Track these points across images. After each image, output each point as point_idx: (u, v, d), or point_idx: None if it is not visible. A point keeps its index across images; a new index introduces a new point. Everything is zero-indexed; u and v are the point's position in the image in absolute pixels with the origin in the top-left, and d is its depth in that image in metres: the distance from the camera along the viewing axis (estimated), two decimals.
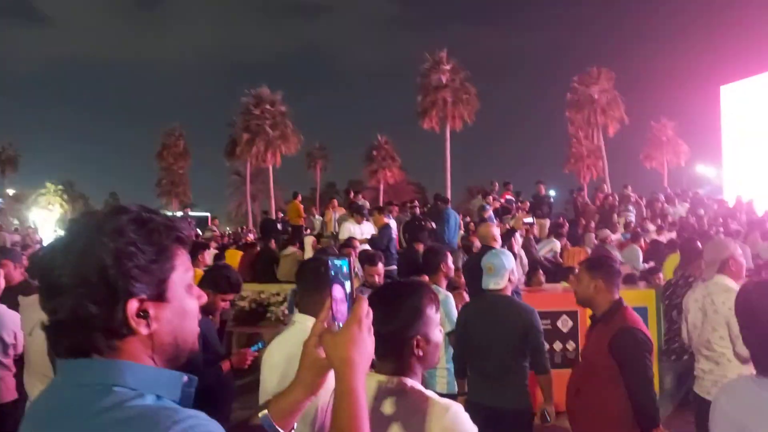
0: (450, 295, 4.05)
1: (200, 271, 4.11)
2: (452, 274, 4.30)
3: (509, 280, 3.61)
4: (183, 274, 1.00)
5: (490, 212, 12.65)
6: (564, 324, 6.43)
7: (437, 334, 1.67)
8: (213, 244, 14.54)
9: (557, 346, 6.41)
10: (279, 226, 18.06)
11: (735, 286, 3.67)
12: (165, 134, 47.79)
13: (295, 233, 13.46)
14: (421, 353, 1.62)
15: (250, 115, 40.69)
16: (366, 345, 1.16)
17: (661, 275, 7.64)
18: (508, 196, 15.14)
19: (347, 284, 1.19)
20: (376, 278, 4.96)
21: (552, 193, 18.97)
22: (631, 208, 14.92)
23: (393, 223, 11.73)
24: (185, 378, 1.00)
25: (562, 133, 43.84)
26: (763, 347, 1.55)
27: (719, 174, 36.49)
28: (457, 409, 1.53)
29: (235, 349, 5.89)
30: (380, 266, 5.00)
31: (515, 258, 7.91)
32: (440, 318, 3.90)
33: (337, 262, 1.20)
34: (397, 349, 1.61)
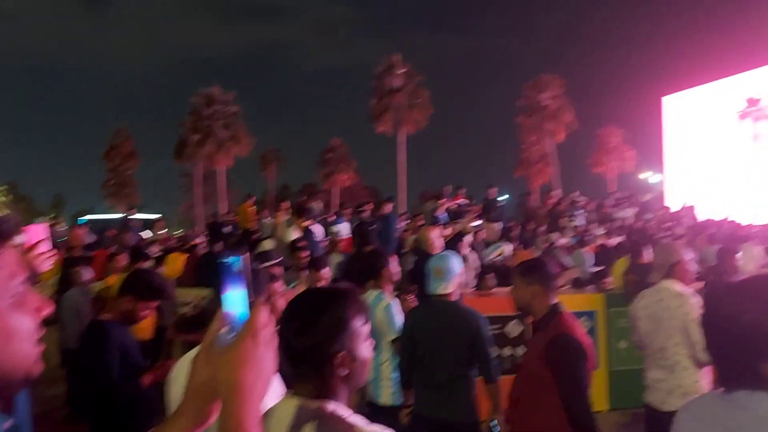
0: (395, 301, 3.85)
1: None
2: (397, 277, 4.11)
3: (457, 284, 3.44)
4: (4, 281, 0.76)
5: (441, 212, 12.63)
6: (513, 329, 6.34)
7: (365, 350, 1.44)
8: (157, 247, 14.04)
9: (506, 351, 6.31)
10: (229, 228, 17.59)
11: (686, 290, 3.60)
12: (112, 134, 46.32)
13: (245, 237, 13.09)
14: (345, 372, 1.39)
15: (201, 115, 39.77)
16: (262, 365, 0.91)
17: (610, 279, 7.67)
18: (461, 200, 15.14)
19: (241, 286, 0.96)
20: (321, 284, 4.74)
21: (503, 196, 19.14)
22: (579, 212, 15.13)
23: (344, 228, 11.54)
24: (4, 425, 0.76)
25: (513, 138, 44.54)
26: (730, 356, 1.35)
27: (662, 181, 37.86)
28: None
29: (176, 358, 5.56)
30: (326, 271, 4.78)
31: (463, 261, 7.84)
32: (383, 325, 3.73)
33: (229, 259, 0.97)
34: (317, 367, 1.38)
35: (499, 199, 15.38)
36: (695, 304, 3.51)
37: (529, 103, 40.86)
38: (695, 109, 34.13)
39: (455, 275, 3.43)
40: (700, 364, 3.48)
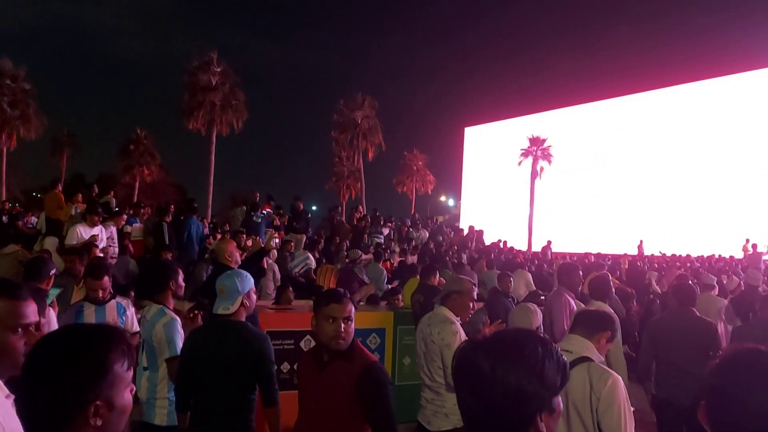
0: (177, 318, 3.65)
1: None
2: (182, 292, 3.91)
3: (243, 304, 3.34)
4: None
5: (249, 220, 12.44)
6: (307, 344, 6.36)
7: (125, 398, 1.32)
8: None
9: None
10: (4, 218, 15.63)
11: (452, 317, 3.88)
12: None
13: (51, 228, 11.56)
14: (99, 423, 1.25)
15: None
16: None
17: (400, 296, 8.06)
18: (268, 209, 15.01)
19: None
20: (100, 293, 4.35)
21: (313, 207, 19.38)
22: (381, 230, 15.83)
23: (137, 229, 10.78)
24: None
25: (326, 151, 45.53)
26: (498, 418, 1.22)
27: (458, 204, 41.43)
28: None
29: None
30: (106, 280, 4.39)
31: (264, 273, 7.72)
32: (161, 343, 3.53)
33: None
34: (65, 418, 1.23)
35: (306, 210, 15.50)
36: (454, 332, 3.77)
37: (343, 119, 42.12)
38: (493, 142, 38.03)
39: (241, 295, 3.33)
40: (450, 388, 3.71)
